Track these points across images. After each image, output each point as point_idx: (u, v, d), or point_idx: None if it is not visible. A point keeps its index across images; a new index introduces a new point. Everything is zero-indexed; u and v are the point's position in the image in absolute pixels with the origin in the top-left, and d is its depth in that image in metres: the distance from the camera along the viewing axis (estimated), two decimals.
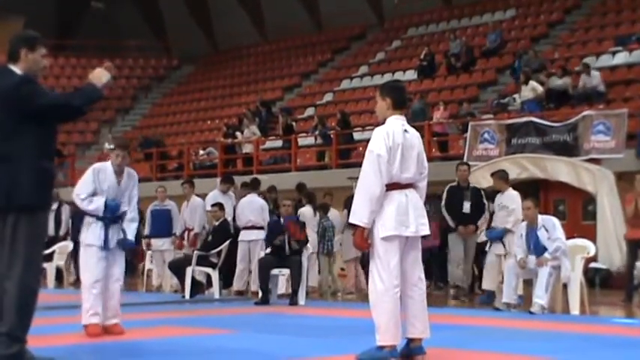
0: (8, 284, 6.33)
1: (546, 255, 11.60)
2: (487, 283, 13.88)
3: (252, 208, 15.27)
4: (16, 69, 6.53)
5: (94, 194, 9.18)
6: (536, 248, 11.78)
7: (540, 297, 11.41)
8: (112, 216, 9.19)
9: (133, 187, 9.41)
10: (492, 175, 14.44)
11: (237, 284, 15.44)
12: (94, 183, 9.18)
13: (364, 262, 15.43)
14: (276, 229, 13.72)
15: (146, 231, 17.07)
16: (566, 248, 11.82)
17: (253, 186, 16.08)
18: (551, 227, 11.81)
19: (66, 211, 20.01)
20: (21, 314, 6.36)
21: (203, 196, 16.73)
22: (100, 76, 6.57)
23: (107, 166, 9.33)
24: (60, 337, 8.82)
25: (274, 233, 13.68)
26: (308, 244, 13.94)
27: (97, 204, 9.15)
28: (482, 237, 14.37)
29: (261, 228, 15.08)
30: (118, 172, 9.27)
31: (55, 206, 18.56)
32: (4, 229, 6.38)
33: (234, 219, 15.54)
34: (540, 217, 12.03)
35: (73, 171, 29.28)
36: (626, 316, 12.14)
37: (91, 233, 9.22)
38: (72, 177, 28.29)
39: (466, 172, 15.02)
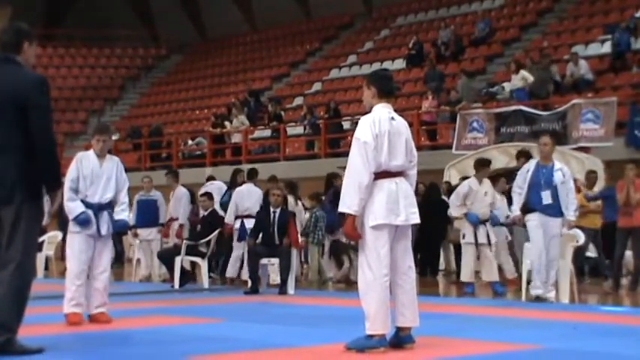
0: (4, 274, 6.31)
1: (571, 217, 11.39)
2: (466, 275, 13.58)
3: (251, 197, 15.41)
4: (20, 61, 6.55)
5: (77, 180, 9.22)
6: (547, 183, 11.44)
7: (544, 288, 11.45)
8: (98, 204, 9.19)
9: (120, 173, 9.42)
10: (478, 163, 14.06)
11: (230, 271, 15.44)
12: (77, 170, 9.25)
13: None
14: (265, 220, 13.66)
15: (133, 221, 16.99)
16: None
17: (251, 176, 16.15)
18: (568, 177, 11.52)
19: (47, 202, 19.83)
20: (16, 304, 6.35)
21: (190, 186, 16.66)
22: None
23: (90, 153, 9.45)
24: (48, 326, 8.79)
25: (262, 224, 13.63)
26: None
27: (74, 206, 9.15)
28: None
29: None
30: (101, 157, 9.35)
31: None
32: (4, 219, 6.37)
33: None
34: (559, 163, 11.75)
35: (61, 160, 29.12)
36: (614, 304, 12.15)
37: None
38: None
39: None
